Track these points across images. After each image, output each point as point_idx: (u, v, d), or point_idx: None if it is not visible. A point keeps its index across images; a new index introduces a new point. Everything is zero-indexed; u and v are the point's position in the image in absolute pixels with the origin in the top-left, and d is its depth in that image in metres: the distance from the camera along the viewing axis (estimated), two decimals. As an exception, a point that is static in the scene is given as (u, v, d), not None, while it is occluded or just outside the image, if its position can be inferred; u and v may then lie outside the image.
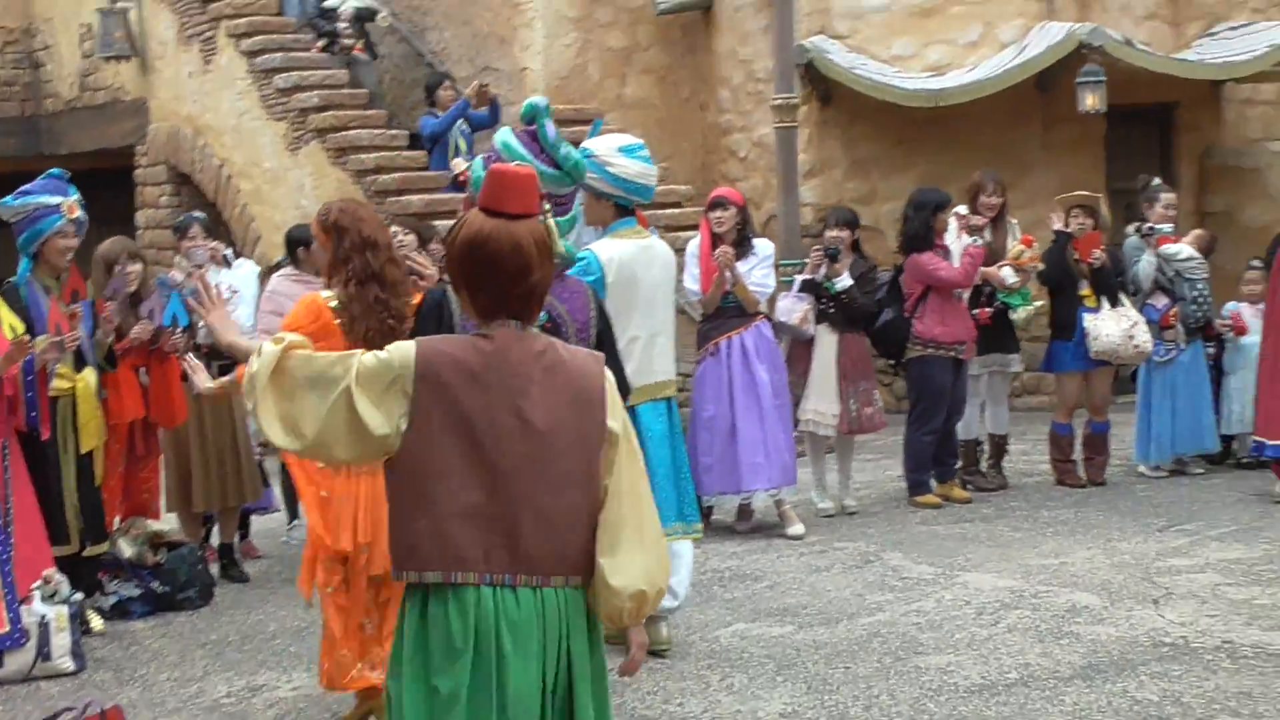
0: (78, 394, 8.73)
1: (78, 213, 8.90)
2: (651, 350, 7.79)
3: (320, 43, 17.01)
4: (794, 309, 11.09)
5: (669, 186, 16.24)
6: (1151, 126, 16.91)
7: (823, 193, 15.95)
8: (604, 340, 6.28)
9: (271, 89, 16.72)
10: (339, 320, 6.63)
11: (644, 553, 4.06)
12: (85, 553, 8.91)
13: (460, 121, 15.17)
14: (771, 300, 10.91)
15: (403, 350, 3.94)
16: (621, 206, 7.68)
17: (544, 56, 17.15)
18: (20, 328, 8.35)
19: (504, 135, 6.43)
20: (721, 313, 10.44)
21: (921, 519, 10.93)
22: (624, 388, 5.38)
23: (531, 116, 6.31)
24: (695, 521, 8.03)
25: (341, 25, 16.74)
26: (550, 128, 6.30)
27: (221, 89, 17.51)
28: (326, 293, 6.85)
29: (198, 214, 11.37)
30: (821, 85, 15.93)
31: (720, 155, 17.43)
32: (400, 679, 3.98)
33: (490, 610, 3.92)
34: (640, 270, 7.66)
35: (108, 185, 19.87)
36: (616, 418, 4.09)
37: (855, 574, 9.44)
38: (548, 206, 4.54)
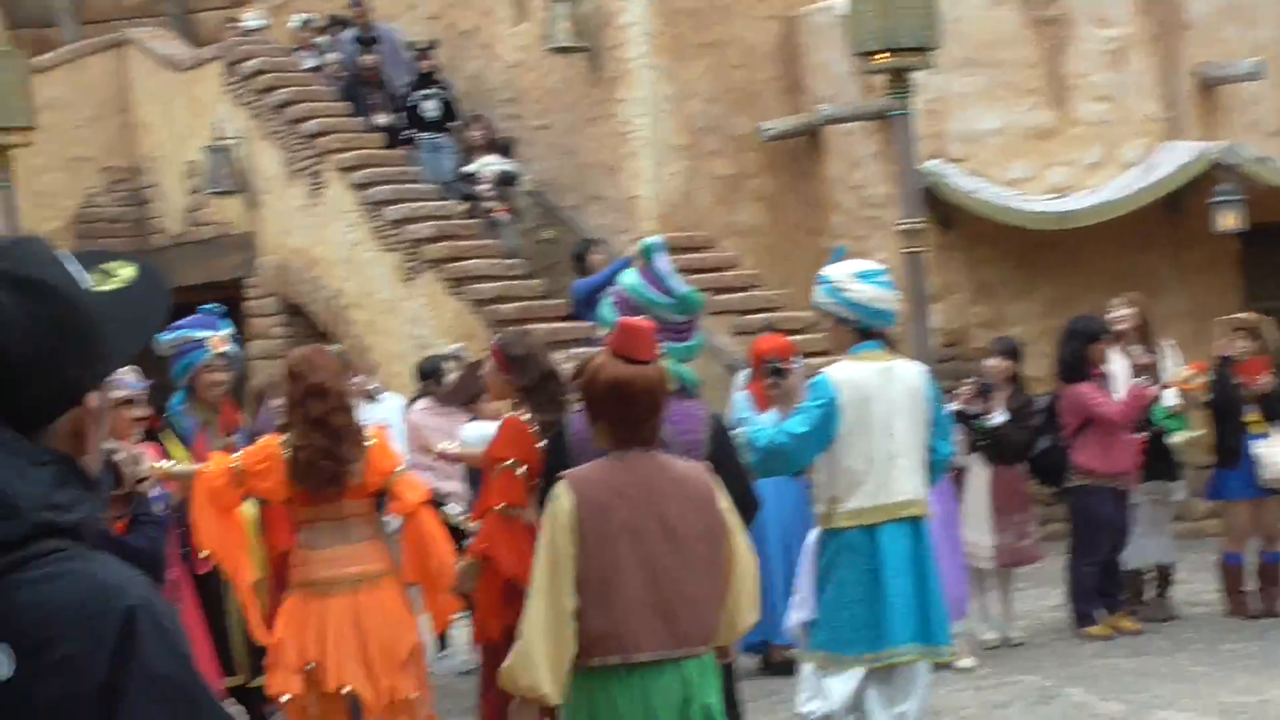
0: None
1: (225, 347, 8.81)
2: (890, 470, 7.65)
3: (463, 206, 16.78)
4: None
5: (790, 313, 15.90)
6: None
7: (949, 318, 15.59)
8: (722, 460, 6.26)
9: (382, 220, 16.53)
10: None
11: (749, 610, 5.25)
12: (252, 683, 8.65)
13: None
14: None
15: (560, 500, 4.93)
16: (862, 331, 7.66)
17: (654, 185, 16.87)
18: (183, 455, 8.18)
19: (628, 275, 6.75)
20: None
21: (1095, 651, 10.49)
22: (750, 504, 6.38)
23: (648, 252, 6.63)
24: (940, 644, 7.75)
25: (482, 188, 16.45)
26: (661, 262, 6.60)
27: (331, 221, 17.36)
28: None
29: (337, 346, 11.15)
30: (941, 209, 15.60)
31: (833, 280, 17.04)
32: None
33: (650, 683, 4.91)
34: (874, 392, 7.58)
35: (214, 319, 19.79)
36: (725, 503, 5.16)
37: (1039, 711, 9.03)
38: (665, 348, 5.71)
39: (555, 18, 17.11)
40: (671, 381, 5.84)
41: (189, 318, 8.91)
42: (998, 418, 10.63)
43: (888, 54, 13.53)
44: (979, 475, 10.73)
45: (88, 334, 2.16)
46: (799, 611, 7.91)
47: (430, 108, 17.56)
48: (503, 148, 16.98)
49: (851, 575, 7.91)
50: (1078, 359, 11.05)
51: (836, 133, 16.81)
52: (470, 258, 15.97)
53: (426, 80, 17.72)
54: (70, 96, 20.77)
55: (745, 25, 17.22)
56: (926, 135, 15.59)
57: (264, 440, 7.46)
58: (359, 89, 17.92)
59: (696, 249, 16.56)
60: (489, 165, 16.57)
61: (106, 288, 2.28)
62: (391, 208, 16.45)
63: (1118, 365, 11.11)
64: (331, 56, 18.43)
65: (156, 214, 20.81)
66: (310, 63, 18.55)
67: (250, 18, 19.71)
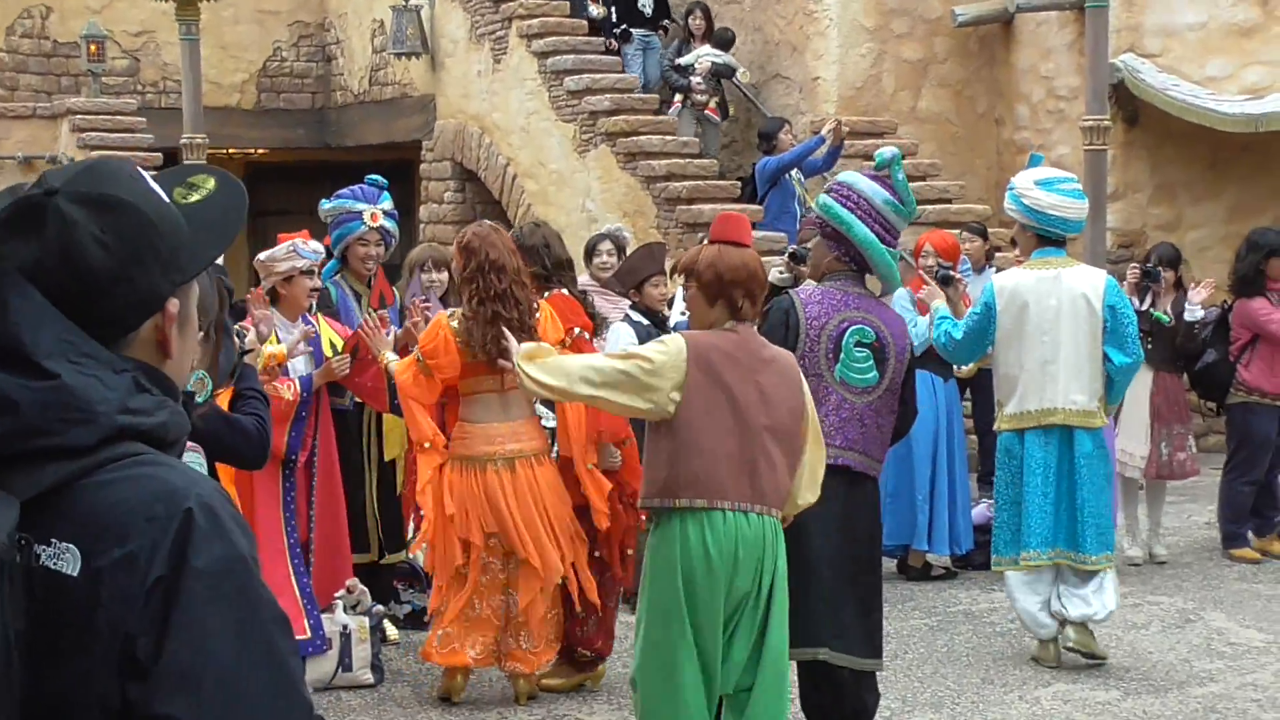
0: (381, 402, 8.49)
1: (380, 220, 8.75)
2: (1041, 378, 7.83)
3: (676, 99, 16.38)
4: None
5: (964, 205, 15.62)
6: None
7: (1125, 218, 15.18)
8: (910, 371, 6.65)
9: (562, 90, 16.42)
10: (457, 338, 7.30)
11: (812, 488, 5.75)
12: (383, 561, 8.76)
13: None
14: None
15: (677, 342, 5.53)
16: (1042, 237, 7.86)
17: (838, 66, 16.54)
18: (339, 343, 8.12)
19: (863, 180, 6.63)
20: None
21: (1239, 574, 10.20)
22: (912, 412, 6.75)
23: (884, 164, 6.59)
24: (1090, 554, 7.89)
25: (695, 80, 15.93)
26: (901, 174, 6.57)
27: (510, 89, 17.27)
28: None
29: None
30: (1129, 105, 15.14)
31: (1015, 174, 16.62)
32: (653, 582, 5.50)
33: (734, 529, 5.42)
34: (1033, 300, 7.77)
35: (392, 178, 19.74)
36: (808, 396, 5.73)
37: (1177, 635, 8.78)
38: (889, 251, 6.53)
39: (750, -111, 16.84)
40: (895, 283, 6.76)
41: (350, 187, 8.87)
42: (1195, 311, 10.36)
43: (1085, -60, 13.08)
44: (1140, 381, 10.35)
45: (162, 245, 2.21)
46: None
47: (646, 3, 17.14)
48: (723, 41, 16.47)
49: (1003, 479, 8.15)
50: (1255, 272, 10.66)
51: (1030, 21, 16.37)
52: (644, 133, 15.78)
53: None
54: (266, -53, 20.86)
55: (943, -96, 16.75)
56: (1122, 28, 15.14)
57: (434, 320, 7.54)
58: None
59: (878, 134, 16.26)
60: (703, 56, 16.12)
61: (191, 199, 2.34)
62: (572, 78, 16.30)
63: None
64: None
65: (340, 71, 20.88)
66: None
67: None
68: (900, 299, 10.11)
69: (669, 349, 5.47)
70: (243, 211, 2.41)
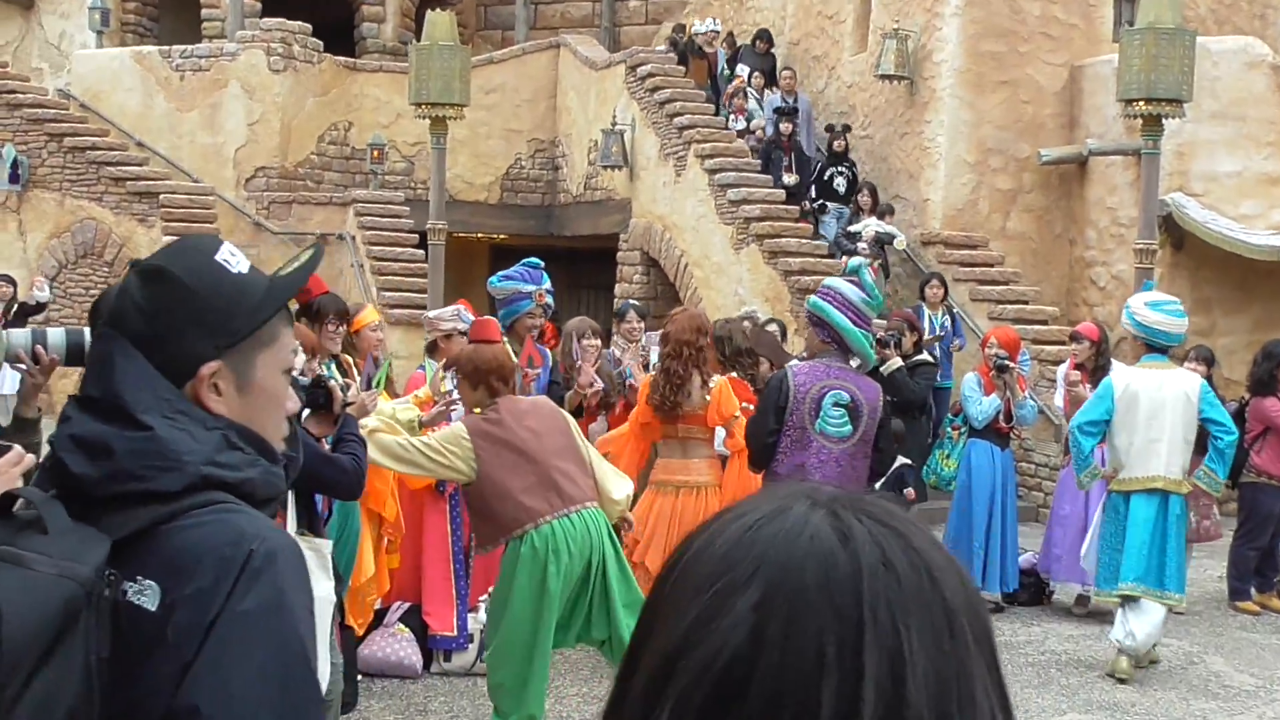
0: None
1: (545, 299, 8.25)
2: (1147, 453, 7.74)
3: (843, 259, 15.42)
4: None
5: (1038, 307, 14.85)
6: None
7: (1169, 324, 14.19)
8: (883, 426, 6.62)
9: (724, 199, 15.90)
10: None
11: (616, 480, 5.80)
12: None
13: None
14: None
15: (459, 430, 5.57)
16: (1149, 345, 7.84)
17: (944, 191, 15.86)
18: None
19: (831, 282, 6.74)
20: (1083, 427, 9.18)
21: (1241, 624, 9.32)
22: (890, 456, 6.95)
23: (855, 270, 6.83)
24: (1172, 591, 7.73)
25: (861, 246, 14.90)
26: (867, 276, 6.76)
27: (686, 196, 16.79)
28: None
29: (634, 302, 10.68)
30: (1177, 234, 14.23)
31: (1083, 284, 15.80)
32: (511, 594, 5.46)
33: (560, 533, 5.44)
34: (1144, 393, 7.74)
35: (596, 261, 19.57)
36: (568, 415, 5.87)
37: (1180, 675, 7.96)
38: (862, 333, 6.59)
39: (885, 50, 16.31)
40: (869, 356, 6.84)
41: (517, 268, 8.39)
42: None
43: (1144, 102, 12.35)
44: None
45: (207, 313, 1.92)
46: (1087, 559, 8.16)
47: (840, 183, 16.36)
48: (882, 212, 15.57)
49: (1109, 529, 8.01)
50: (1269, 376, 9.87)
51: (1100, 163, 15.54)
52: (786, 235, 15.19)
53: (839, 158, 16.47)
54: (515, 83, 20.64)
55: (1037, 69, 16.02)
56: (1174, 172, 14.31)
57: (645, 378, 7.72)
58: (774, 151, 16.58)
59: (972, 247, 15.58)
60: (869, 226, 15.20)
61: (285, 271, 2.08)
62: (733, 190, 15.79)
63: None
64: (756, 122, 17.27)
65: (564, 178, 20.57)
66: (738, 125, 17.27)
67: (699, 23, 19.10)
68: (968, 382, 9.59)
69: (454, 439, 5.56)
70: (310, 268, 2.10)
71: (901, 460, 8.97)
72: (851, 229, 15.56)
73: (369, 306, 7.93)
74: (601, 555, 5.57)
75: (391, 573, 7.23)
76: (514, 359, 6.93)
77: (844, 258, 15.13)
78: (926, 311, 12.93)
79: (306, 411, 5.15)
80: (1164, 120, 12.51)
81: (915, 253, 15.73)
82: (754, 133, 17.23)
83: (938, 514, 10.18)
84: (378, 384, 7.22)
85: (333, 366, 6.98)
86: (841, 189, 16.37)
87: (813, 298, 6.77)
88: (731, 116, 17.36)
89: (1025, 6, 15.86)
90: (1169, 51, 12.34)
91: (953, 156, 15.86)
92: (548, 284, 8.35)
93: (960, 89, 15.85)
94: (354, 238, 17.92)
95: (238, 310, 1.93)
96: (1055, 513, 9.58)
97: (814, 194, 16.52)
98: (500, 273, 8.33)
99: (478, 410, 5.71)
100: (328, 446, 5.02)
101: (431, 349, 7.74)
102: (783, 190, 16.00)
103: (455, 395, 7.10)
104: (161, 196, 17.72)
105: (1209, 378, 9.87)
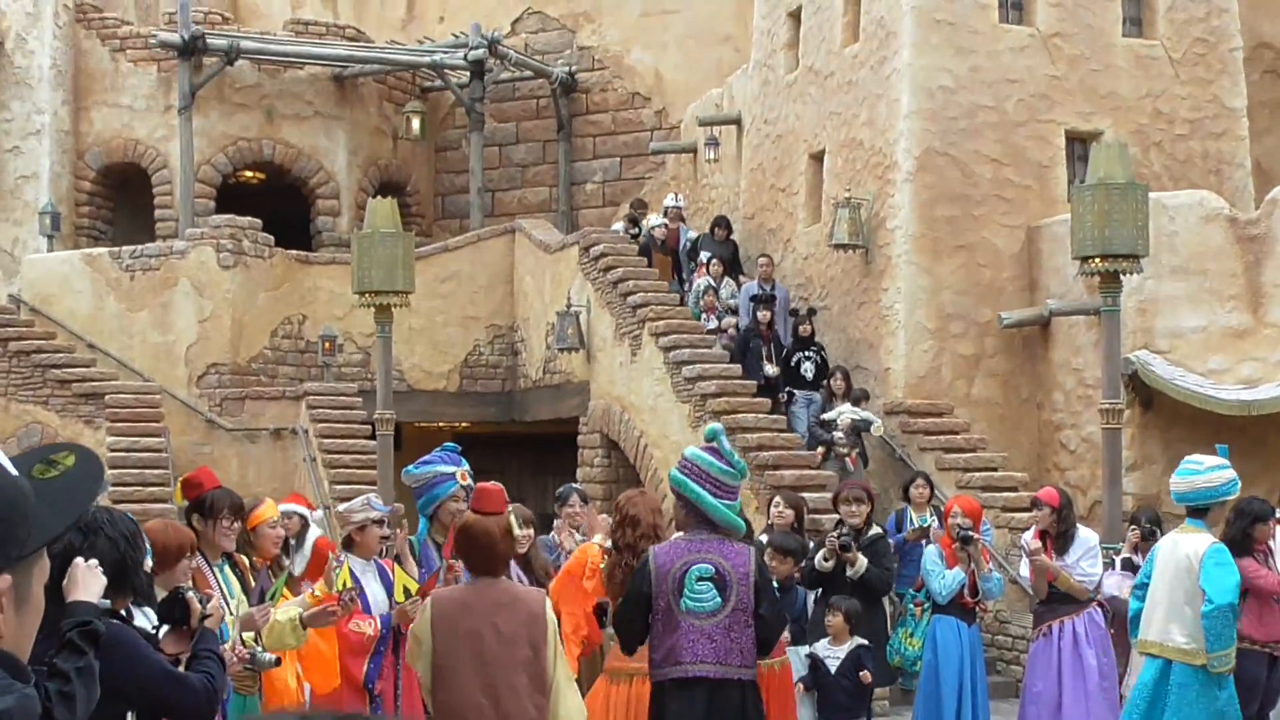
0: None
1: (467, 480, 7.70)
2: (1149, 617, 7.74)
3: (818, 450, 14.69)
4: (1122, 584, 9.59)
5: (1007, 473, 14.44)
6: None
7: (1142, 485, 13.78)
8: (760, 591, 6.24)
9: (680, 377, 15.50)
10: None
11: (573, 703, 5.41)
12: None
13: None
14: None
15: (425, 609, 5.46)
16: (1190, 509, 7.96)
17: (905, 360, 15.51)
18: (414, 588, 7.10)
19: (701, 453, 6.39)
20: (1054, 598, 8.85)
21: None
22: (777, 625, 6.53)
23: (712, 437, 6.38)
24: None
25: (837, 435, 14.52)
26: (725, 443, 6.35)
27: (643, 375, 16.42)
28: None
29: (576, 485, 10.28)
30: (1145, 392, 13.84)
31: (1053, 448, 15.34)
32: None
33: None
34: (1159, 555, 7.85)
35: (558, 446, 19.08)
36: (552, 622, 5.45)
37: None
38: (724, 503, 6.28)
39: (838, 220, 16.12)
40: (736, 527, 6.38)
41: (435, 453, 7.87)
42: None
43: (1100, 258, 12.09)
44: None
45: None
46: None
47: (809, 368, 15.92)
48: (857, 398, 15.14)
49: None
50: (1243, 535, 9.32)
51: (1063, 324, 15.24)
52: (743, 411, 14.75)
53: (805, 343, 16.05)
54: (471, 270, 20.42)
55: (993, 231, 15.82)
56: (1138, 329, 14.00)
57: (583, 549, 7.73)
58: (754, 339, 16.16)
59: (937, 414, 15.17)
60: (844, 414, 14.74)
61: (49, 475, 1.88)
62: (688, 367, 15.40)
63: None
64: (729, 320, 16.91)
65: (523, 363, 20.21)
66: (710, 325, 16.84)
67: (654, 217, 18.99)
68: (930, 555, 9.10)
69: (422, 618, 5.49)
70: (98, 483, 1.88)
71: (858, 641, 8.42)
72: (825, 416, 15.08)
73: (268, 502, 7.40)
74: None
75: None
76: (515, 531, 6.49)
77: (818, 449, 14.65)
78: (911, 513, 12.15)
79: (165, 629, 4.61)
80: (1122, 277, 12.27)
81: (893, 438, 15.22)
82: (725, 331, 16.84)
83: (901, 698, 9.54)
84: (272, 596, 6.67)
85: (225, 568, 6.45)
86: (809, 374, 15.93)
87: (672, 470, 6.46)
88: (702, 316, 16.99)
89: (977, 170, 15.70)
90: (1121, 207, 12.13)
91: (912, 324, 15.54)
92: (466, 466, 7.84)
93: (916, 255, 15.60)
94: (307, 431, 17.44)
95: (21, 518, 1.71)
96: (1028, 690, 8.98)
97: (784, 382, 16.02)
98: (415, 461, 7.83)
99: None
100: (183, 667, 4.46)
101: (348, 544, 7.25)
102: (757, 381, 15.50)
103: (355, 591, 6.57)
104: (107, 397, 17.30)
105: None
